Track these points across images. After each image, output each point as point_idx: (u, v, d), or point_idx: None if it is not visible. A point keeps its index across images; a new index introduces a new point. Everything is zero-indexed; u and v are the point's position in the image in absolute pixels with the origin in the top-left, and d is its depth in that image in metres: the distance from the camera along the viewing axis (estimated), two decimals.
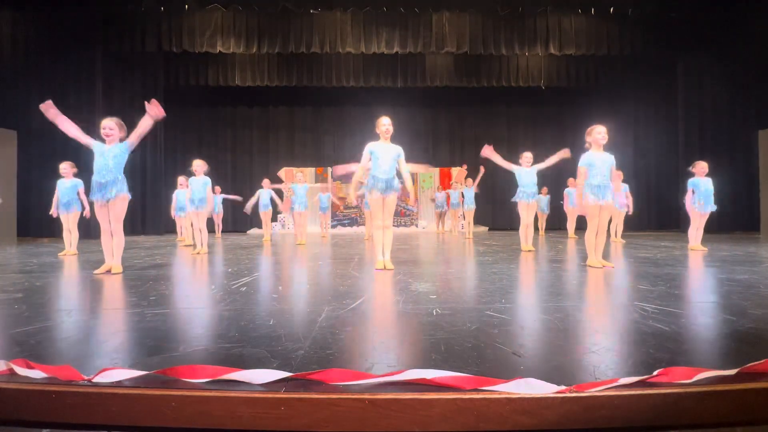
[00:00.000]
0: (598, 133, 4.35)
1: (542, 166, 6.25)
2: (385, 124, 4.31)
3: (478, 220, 11.33)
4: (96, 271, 4.13)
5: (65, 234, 6.27)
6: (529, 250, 6.05)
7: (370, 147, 4.34)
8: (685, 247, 6.44)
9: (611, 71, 13.59)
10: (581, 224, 9.42)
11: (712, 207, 6.25)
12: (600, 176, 4.32)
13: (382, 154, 4.29)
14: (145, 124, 4.12)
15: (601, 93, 14.55)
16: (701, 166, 6.36)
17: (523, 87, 13.74)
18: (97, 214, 4.20)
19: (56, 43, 10.66)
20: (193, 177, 6.40)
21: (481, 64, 13.29)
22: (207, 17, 11.05)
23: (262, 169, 15.69)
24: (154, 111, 3.99)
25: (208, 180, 6.45)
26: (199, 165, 6.37)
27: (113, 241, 4.22)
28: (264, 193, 9.27)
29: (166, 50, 11.32)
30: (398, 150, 4.34)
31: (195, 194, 6.38)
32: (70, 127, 4.16)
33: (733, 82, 11.39)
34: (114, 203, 4.12)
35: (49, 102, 4.07)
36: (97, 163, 4.11)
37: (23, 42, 10.69)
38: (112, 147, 4.16)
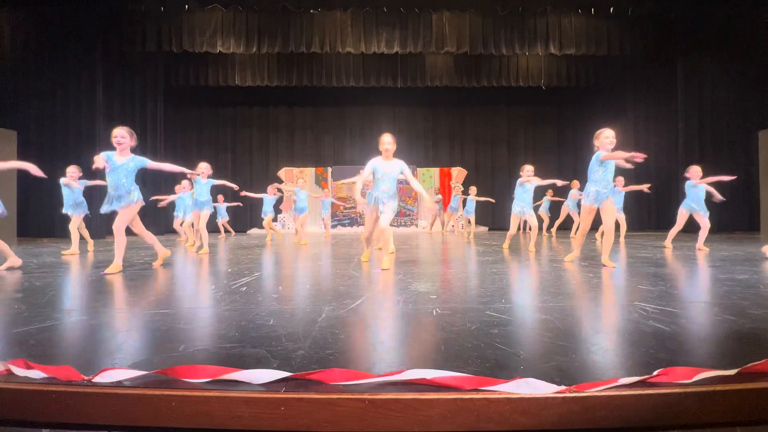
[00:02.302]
0: (606, 138, 4.30)
1: (542, 183, 6.53)
2: (386, 142, 4.41)
3: (478, 220, 11.34)
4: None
5: (81, 231, 6.60)
6: (529, 251, 6.08)
7: (373, 163, 4.49)
8: (684, 247, 6.44)
9: (611, 71, 13.58)
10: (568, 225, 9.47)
11: (704, 212, 6.33)
12: (603, 182, 4.31)
13: (383, 173, 4.40)
14: (174, 169, 4.61)
15: (601, 93, 14.55)
16: (695, 171, 6.45)
17: (523, 87, 13.73)
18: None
19: (56, 43, 10.65)
20: (198, 179, 6.50)
21: (481, 64, 13.28)
22: (207, 17, 11.04)
23: (262, 169, 15.71)
24: (197, 173, 4.47)
25: (213, 181, 6.61)
26: (203, 168, 6.46)
27: (115, 242, 4.30)
28: (268, 200, 9.37)
29: (166, 50, 11.31)
30: (400, 165, 4.50)
31: (200, 196, 6.50)
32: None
33: (733, 82, 11.38)
34: (121, 209, 4.26)
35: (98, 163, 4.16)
36: (110, 178, 4.23)
37: (23, 42, 10.68)
38: (125, 162, 4.25)
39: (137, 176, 4.40)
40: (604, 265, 4.27)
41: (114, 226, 4.28)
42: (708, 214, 6.34)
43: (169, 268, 4.59)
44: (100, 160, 4.07)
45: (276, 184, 9.84)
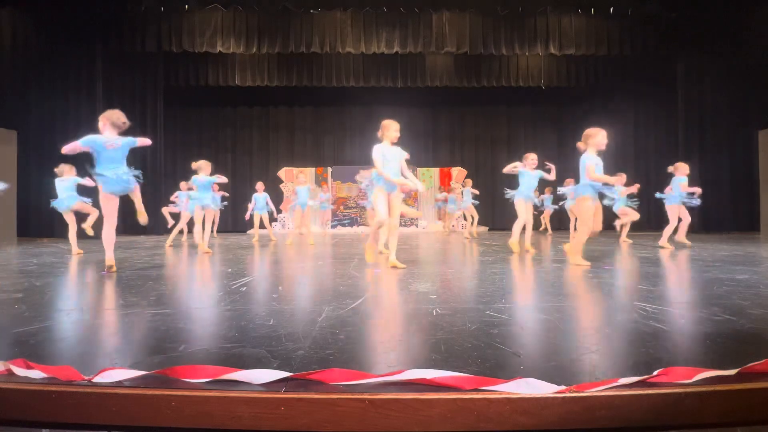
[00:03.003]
0: (604, 138, 4.38)
1: (545, 176, 6.36)
2: (396, 129, 4.46)
3: (478, 220, 11.34)
4: (105, 272, 4.06)
5: (71, 235, 6.29)
6: (527, 251, 6.05)
7: (380, 150, 4.44)
8: (684, 247, 6.44)
9: (611, 71, 13.57)
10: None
11: (685, 201, 6.57)
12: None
13: (391, 157, 4.42)
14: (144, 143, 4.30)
15: (601, 93, 14.54)
16: (682, 168, 6.70)
17: (523, 87, 13.73)
18: (108, 206, 4.19)
19: (56, 43, 10.66)
20: (195, 177, 6.50)
21: (481, 64, 13.27)
22: (207, 17, 11.04)
23: (262, 169, 15.69)
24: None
25: (213, 179, 6.58)
26: (203, 165, 6.47)
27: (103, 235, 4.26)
28: (259, 198, 9.38)
29: (166, 50, 11.32)
30: (402, 152, 4.53)
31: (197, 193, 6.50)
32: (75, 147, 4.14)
33: (733, 82, 11.38)
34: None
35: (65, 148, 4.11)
36: (105, 158, 4.11)
37: (23, 42, 10.68)
38: (115, 141, 4.13)
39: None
40: (577, 264, 4.25)
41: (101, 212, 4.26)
42: (687, 203, 6.58)
43: (169, 269, 4.59)
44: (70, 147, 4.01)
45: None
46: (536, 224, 11.99)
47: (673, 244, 6.40)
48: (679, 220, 6.63)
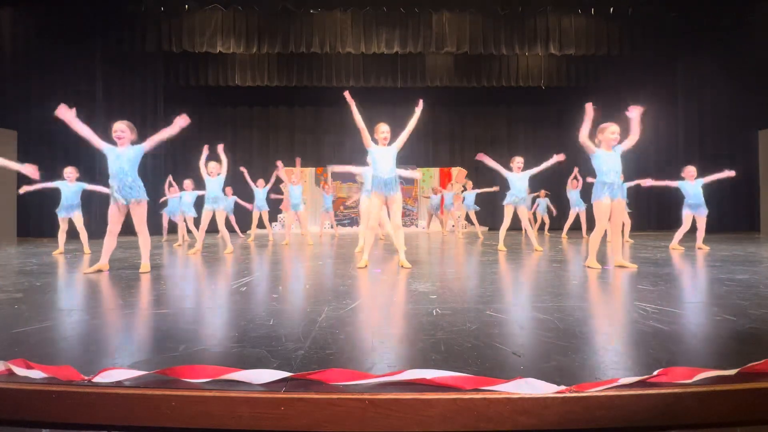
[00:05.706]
0: (611, 133, 4.22)
1: (534, 171, 6.37)
2: (383, 131, 4.50)
3: (478, 220, 11.33)
4: (86, 270, 4.17)
5: (60, 234, 6.53)
6: (537, 250, 6.10)
7: (371, 151, 4.59)
8: (685, 247, 6.44)
9: (611, 71, 13.57)
10: (576, 225, 9.49)
11: (704, 210, 6.38)
12: (613, 173, 4.25)
13: (380, 157, 4.44)
14: (167, 132, 4.33)
15: (601, 93, 14.53)
16: (689, 171, 6.54)
17: (523, 87, 13.73)
18: (110, 214, 4.21)
19: (56, 43, 10.66)
20: (208, 177, 6.45)
21: (481, 64, 13.27)
22: (207, 17, 11.04)
23: (263, 169, 15.68)
24: (181, 122, 4.27)
25: (222, 177, 6.54)
26: (214, 166, 6.44)
27: (140, 241, 4.35)
28: (259, 193, 9.40)
29: (166, 50, 11.31)
30: (395, 146, 4.61)
31: (211, 193, 6.47)
32: (83, 128, 4.16)
33: (733, 82, 11.38)
34: (134, 208, 4.21)
35: (63, 107, 4.09)
36: (112, 167, 4.17)
37: (23, 42, 10.68)
38: (125, 150, 4.20)
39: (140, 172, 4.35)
40: (623, 267, 4.16)
41: (137, 229, 4.31)
42: (706, 212, 6.38)
43: (169, 269, 4.59)
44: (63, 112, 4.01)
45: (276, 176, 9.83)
46: (550, 226, 11.99)
47: (688, 249, 6.35)
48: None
